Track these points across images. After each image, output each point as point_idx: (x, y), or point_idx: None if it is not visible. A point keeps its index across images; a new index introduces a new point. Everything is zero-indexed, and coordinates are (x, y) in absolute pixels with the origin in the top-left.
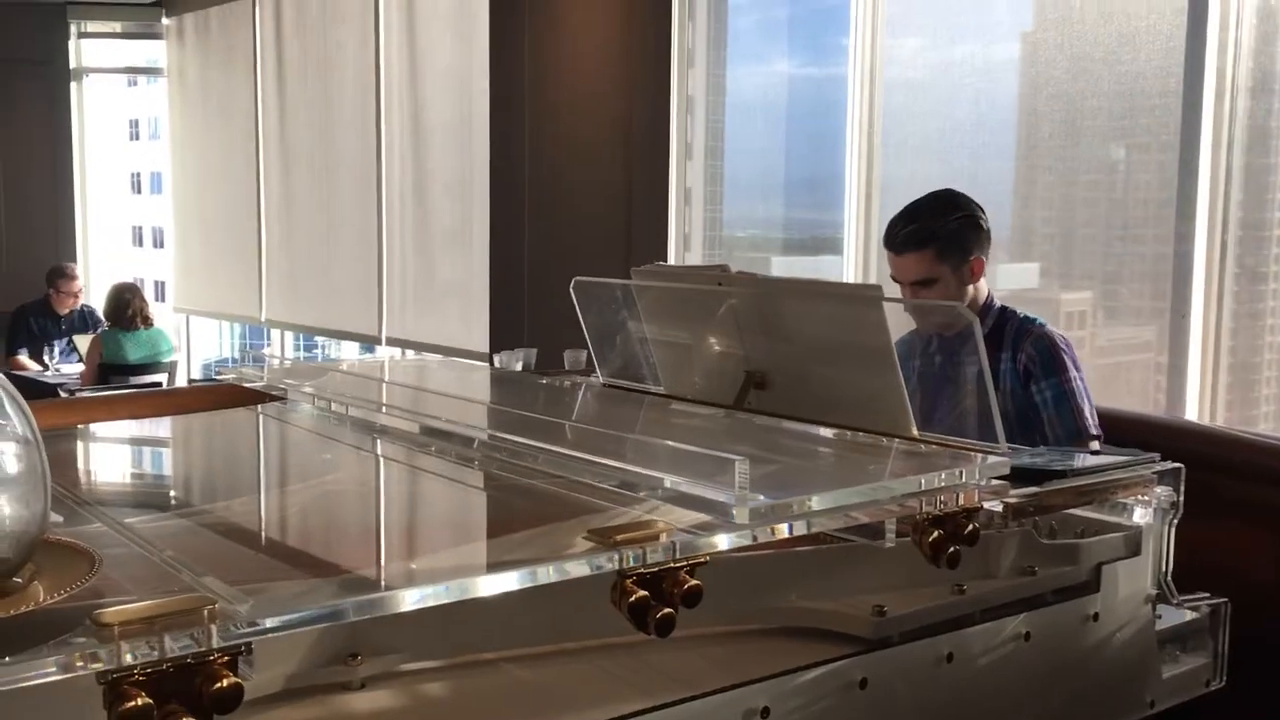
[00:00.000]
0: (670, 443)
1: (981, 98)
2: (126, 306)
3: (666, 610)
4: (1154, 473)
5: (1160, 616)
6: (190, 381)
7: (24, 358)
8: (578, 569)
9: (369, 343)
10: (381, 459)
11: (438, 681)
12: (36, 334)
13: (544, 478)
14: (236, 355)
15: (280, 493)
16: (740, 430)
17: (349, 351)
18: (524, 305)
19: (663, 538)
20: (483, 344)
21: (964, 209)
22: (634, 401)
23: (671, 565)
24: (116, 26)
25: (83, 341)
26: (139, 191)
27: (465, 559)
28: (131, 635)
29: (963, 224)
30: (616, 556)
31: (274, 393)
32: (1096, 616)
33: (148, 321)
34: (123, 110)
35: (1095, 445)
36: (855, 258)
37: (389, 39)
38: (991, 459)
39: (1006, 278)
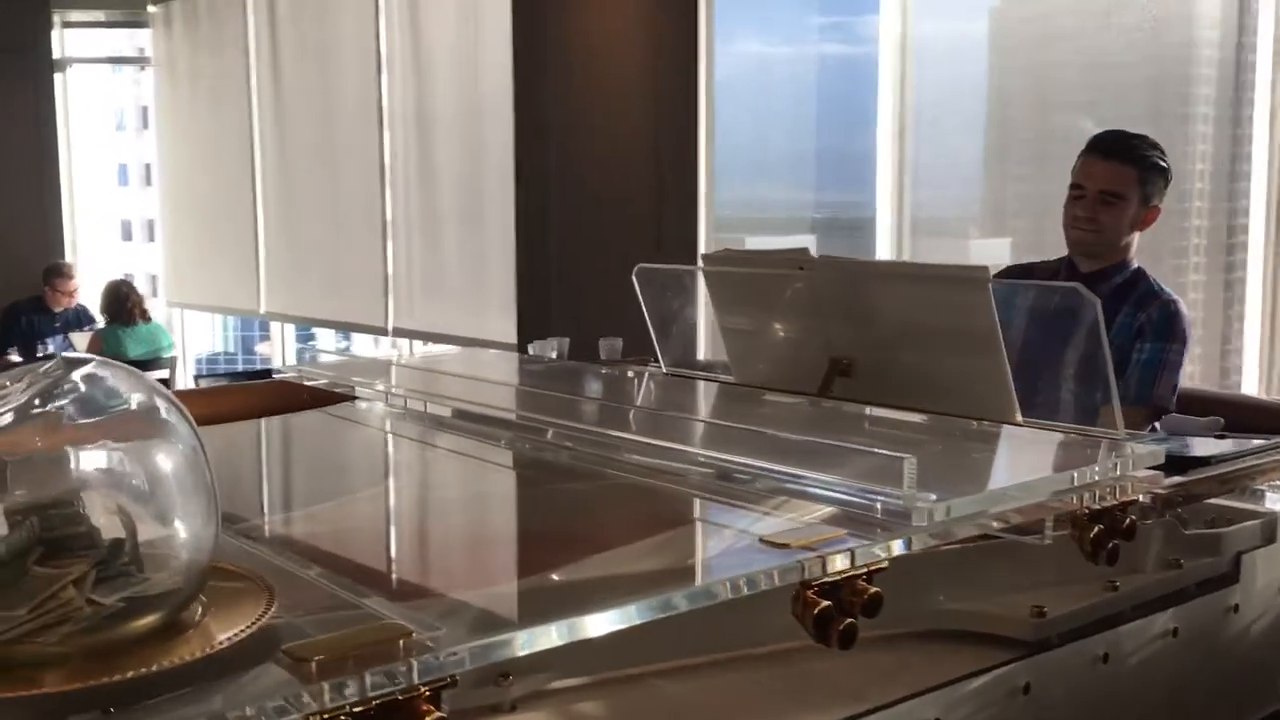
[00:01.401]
0: (813, 438)
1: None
2: (125, 301)
3: (849, 621)
4: None
5: None
6: (196, 380)
7: (15, 356)
8: (764, 580)
9: (375, 334)
10: (491, 462)
11: (590, 700)
12: (28, 331)
13: (671, 477)
14: (231, 349)
15: (402, 502)
16: (841, 420)
17: (356, 345)
18: (551, 293)
19: (844, 544)
20: (506, 334)
21: (1166, 160)
22: (720, 393)
23: (850, 574)
24: (100, 15)
25: (78, 339)
26: (127, 184)
27: (634, 569)
28: (331, 673)
29: (1163, 170)
30: (801, 566)
31: (338, 390)
32: (1237, 608)
33: (145, 316)
34: (108, 100)
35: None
36: (890, 238)
37: (390, 21)
38: (1144, 448)
39: (980, 254)
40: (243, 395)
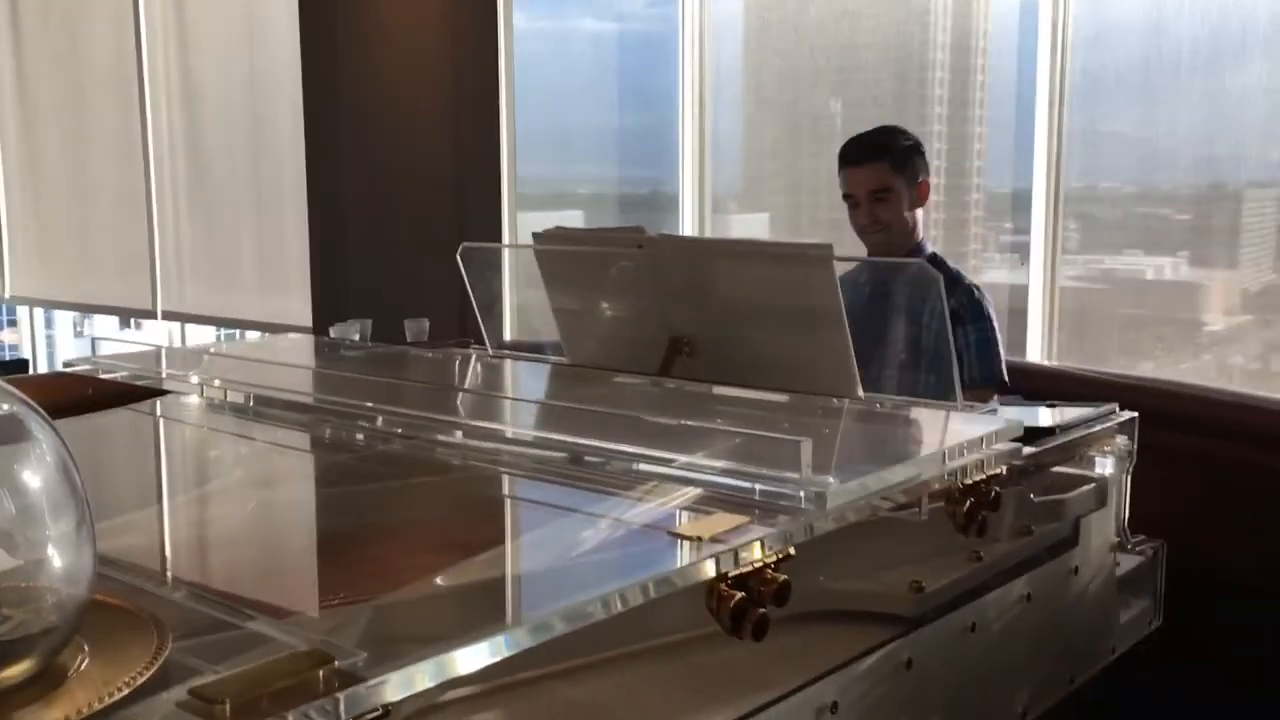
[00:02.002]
0: (693, 422)
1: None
2: None
3: (762, 612)
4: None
5: (1119, 564)
6: None
7: None
8: (682, 577)
9: (141, 317)
10: (334, 457)
11: (481, 712)
12: None
13: (530, 465)
14: None
15: (253, 506)
16: (691, 400)
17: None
18: (348, 274)
19: (750, 534)
20: (299, 316)
21: (912, 138)
22: (558, 375)
23: (760, 563)
24: None
25: None
26: None
27: (545, 566)
28: (248, 715)
29: (913, 148)
30: (714, 560)
31: (139, 384)
32: (1077, 570)
33: None
34: None
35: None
36: (692, 214)
37: None
38: (1009, 421)
39: (742, 228)
40: (39, 390)
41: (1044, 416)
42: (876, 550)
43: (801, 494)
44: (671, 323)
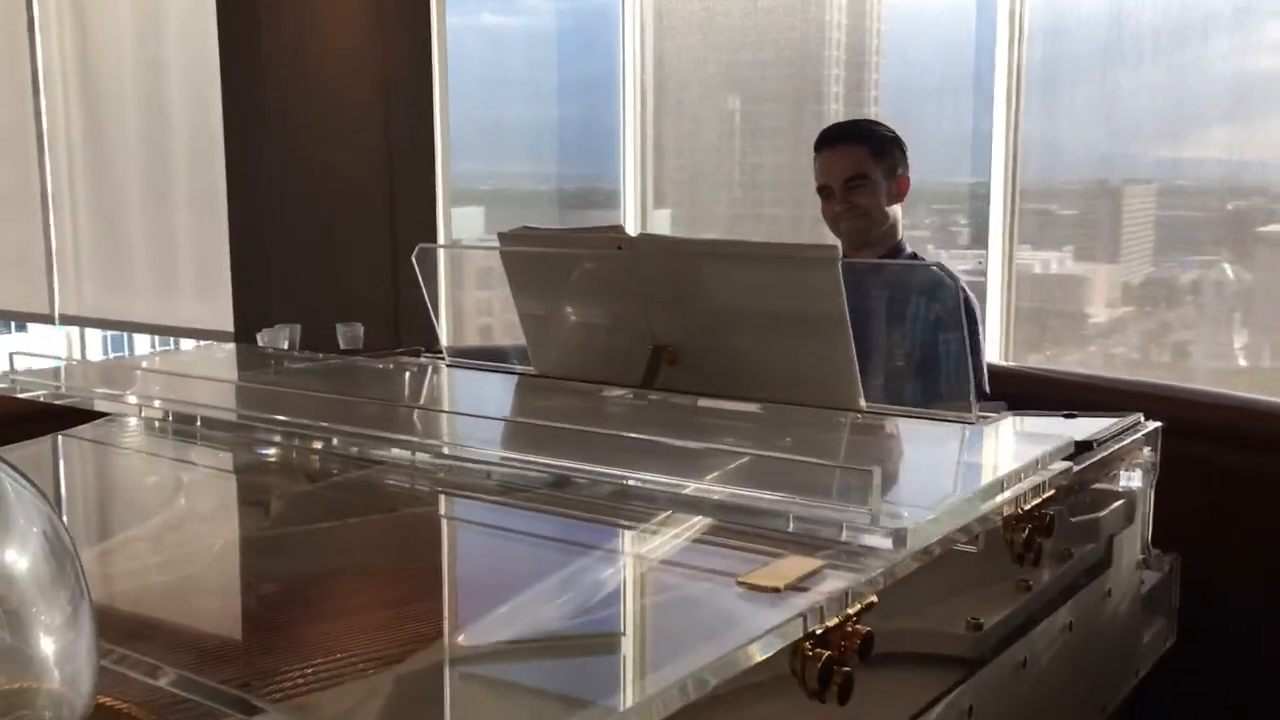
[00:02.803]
0: (734, 447)
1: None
2: None
3: (847, 671)
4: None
5: (1144, 582)
6: None
7: None
8: (773, 640)
9: (38, 322)
10: (309, 487)
11: None
12: None
13: (522, 494)
14: None
15: (246, 555)
16: (691, 415)
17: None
18: (271, 277)
19: (824, 580)
20: (218, 321)
21: (891, 130)
22: (534, 388)
23: (845, 615)
24: None
25: None
26: None
27: (580, 626)
28: None
29: (893, 139)
30: (801, 618)
31: (59, 404)
32: (1110, 592)
33: None
34: None
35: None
36: (635, 210)
37: None
38: (1056, 439)
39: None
40: None
41: (1078, 430)
42: (932, 586)
43: (878, 531)
44: (654, 330)
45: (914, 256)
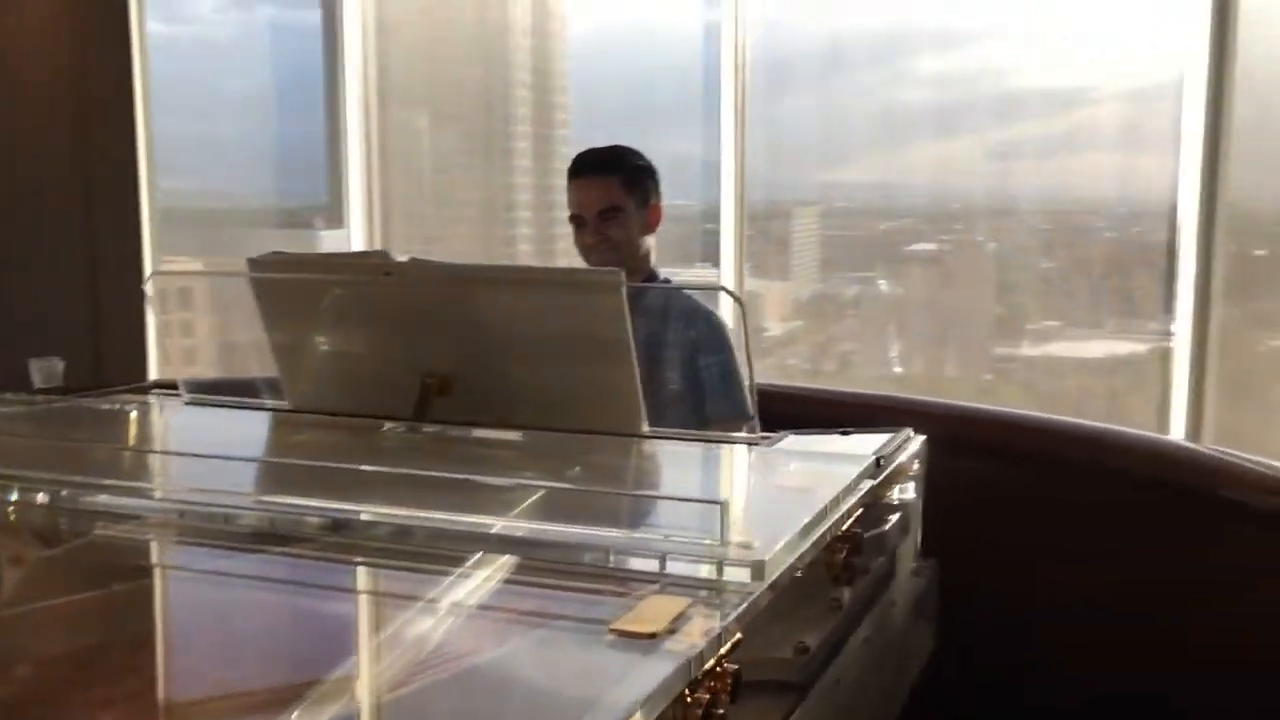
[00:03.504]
0: (566, 485)
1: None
2: None
3: (722, 714)
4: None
5: (916, 589)
6: None
7: None
8: (665, 694)
9: None
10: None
11: None
12: None
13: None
14: None
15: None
16: (472, 448)
17: None
18: None
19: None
20: None
21: (644, 159)
22: (294, 424)
23: (718, 656)
24: None
25: None
26: None
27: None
28: None
29: (645, 169)
30: (689, 662)
31: None
32: (895, 602)
33: None
34: None
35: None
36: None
37: None
38: (861, 458)
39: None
40: None
41: (860, 446)
42: (767, 614)
43: (739, 564)
44: (422, 360)
45: (667, 280)
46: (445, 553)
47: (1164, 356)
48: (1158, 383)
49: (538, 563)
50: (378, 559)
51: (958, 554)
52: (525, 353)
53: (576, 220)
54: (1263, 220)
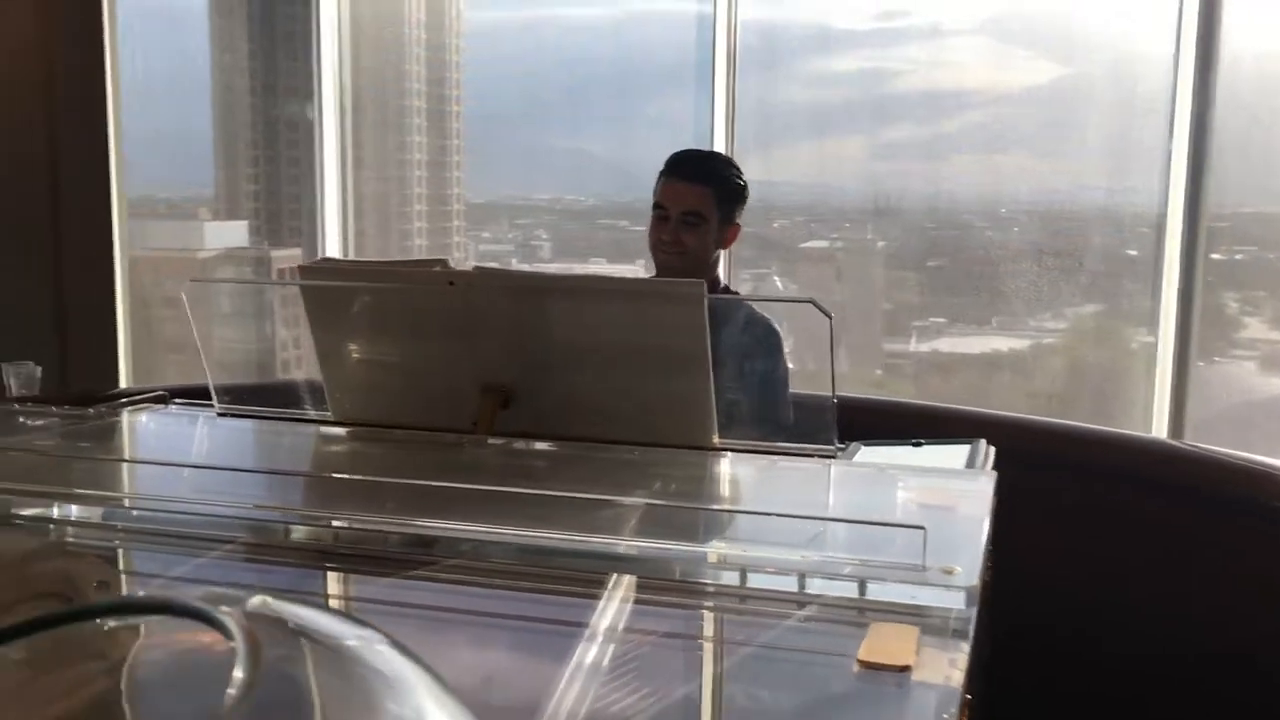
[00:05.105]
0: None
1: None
2: None
3: None
4: None
5: None
6: None
7: None
8: None
9: None
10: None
11: None
12: None
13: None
14: None
15: None
16: (577, 466)
17: None
18: None
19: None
20: None
21: (741, 179)
22: (360, 439)
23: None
24: None
25: None
26: None
27: None
28: None
29: (738, 189)
30: (951, 695)
31: None
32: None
33: None
34: None
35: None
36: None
37: None
38: (982, 474)
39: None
40: None
41: (946, 458)
42: None
43: (954, 589)
44: (483, 370)
45: (727, 290)
46: (575, 573)
47: None
48: None
49: (674, 584)
50: (518, 581)
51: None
52: (594, 363)
53: (659, 210)
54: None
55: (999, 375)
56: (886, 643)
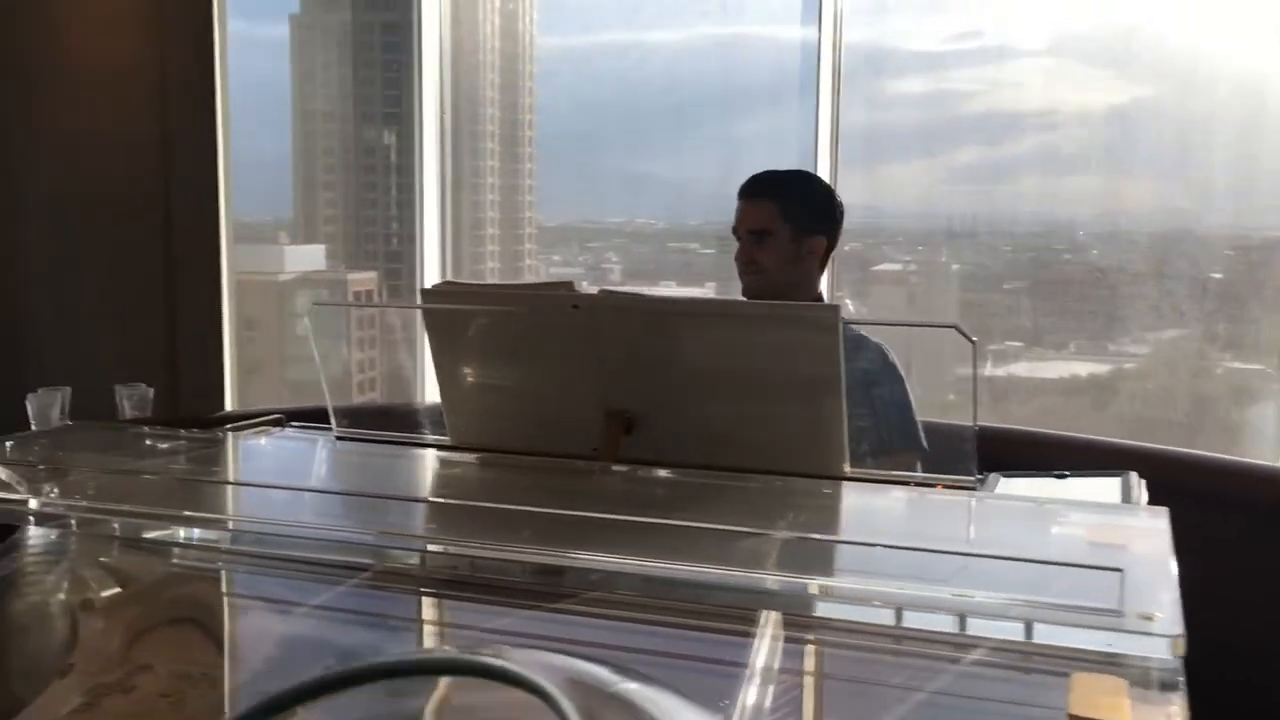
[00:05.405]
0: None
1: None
2: None
3: None
4: None
5: None
6: None
7: None
8: None
9: None
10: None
11: None
12: None
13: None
14: None
15: None
16: (693, 493)
17: None
18: (23, 332)
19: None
20: None
21: (825, 189)
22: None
23: None
24: None
25: None
26: None
27: None
28: None
29: (818, 200)
30: None
31: None
32: None
33: None
34: None
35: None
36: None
37: None
38: (1157, 511)
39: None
40: None
41: (1097, 491)
42: None
43: (1158, 638)
44: (607, 396)
45: None
46: (720, 609)
47: None
48: None
49: (822, 622)
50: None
51: None
52: (721, 389)
53: (735, 234)
54: None
55: (1077, 400)
56: (1095, 696)
